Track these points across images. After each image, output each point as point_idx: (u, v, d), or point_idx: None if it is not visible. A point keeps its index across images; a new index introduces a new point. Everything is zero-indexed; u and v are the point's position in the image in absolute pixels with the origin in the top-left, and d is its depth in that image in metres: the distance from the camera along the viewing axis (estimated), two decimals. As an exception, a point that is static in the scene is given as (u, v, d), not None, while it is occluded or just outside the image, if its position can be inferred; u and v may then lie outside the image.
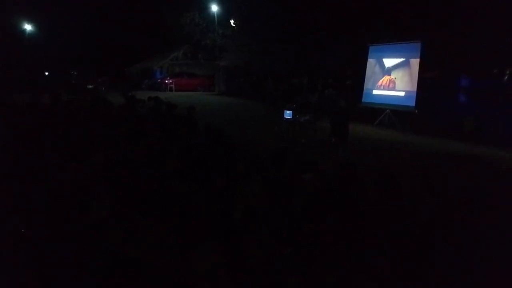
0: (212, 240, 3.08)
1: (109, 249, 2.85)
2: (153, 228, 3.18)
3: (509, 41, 11.91)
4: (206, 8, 28.09)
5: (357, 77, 15.10)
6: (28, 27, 33.52)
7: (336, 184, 4.51)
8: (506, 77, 11.48)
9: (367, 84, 14.39)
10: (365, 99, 14.37)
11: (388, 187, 4.32)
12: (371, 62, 14.36)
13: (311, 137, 9.97)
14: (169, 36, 29.55)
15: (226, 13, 27.92)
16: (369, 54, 14.38)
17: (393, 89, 13.48)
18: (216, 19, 28.18)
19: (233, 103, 19.65)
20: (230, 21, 28.08)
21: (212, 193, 3.96)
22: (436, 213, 4.65)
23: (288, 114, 10.34)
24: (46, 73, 34.50)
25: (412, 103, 12.65)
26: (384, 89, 13.83)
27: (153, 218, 3.30)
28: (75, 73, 33.76)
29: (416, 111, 12.51)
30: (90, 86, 25.55)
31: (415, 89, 12.62)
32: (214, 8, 27.94)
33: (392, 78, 13.51)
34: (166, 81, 27.92)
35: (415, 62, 12.69)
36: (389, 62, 13.69)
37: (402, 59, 13.21)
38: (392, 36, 14.32)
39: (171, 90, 26.74)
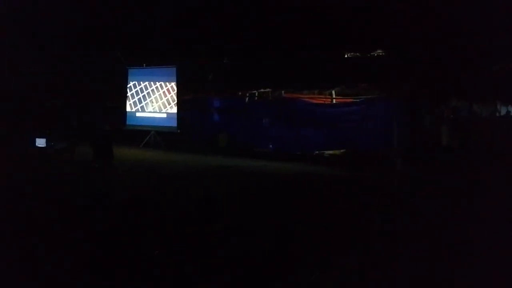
0: None
1: None
2: None
3: (251, 67, 13.96)
4: None
5: (120, 99, 14.94)
6: None
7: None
8: (247, 99, 13.62)
9: (130, 107, 14.49)
10: (129, 121, 14.41)
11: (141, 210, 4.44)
12: (131, 84, 14.53)
13: (69, 165, 9.24)
14: None
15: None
16: (129, 77, 14.52)
17: (155, 111, 14.02)
18: None
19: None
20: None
21: None
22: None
23: (40, 142, 9.31)
24: None
25: (174, 123, 13.46)
26: (146, 111, 14.22)
27: None
28: None
29: (178, 131, 13.35)
30: None
31: (176, 111, 13.49)
32: None
33: (153, 100, 14.03)
34: None
35: (173, 85, 13.58)
36: (149, 85, 14.17)
37: (160, 82, 13.89)
38: (152, 60, 14.76)
39: None
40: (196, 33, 14.28)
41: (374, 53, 12.84)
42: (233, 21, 13.28)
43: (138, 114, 14.37)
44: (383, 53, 12.53)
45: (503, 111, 9.85)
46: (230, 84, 13.83)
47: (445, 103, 10.18)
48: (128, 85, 14.53)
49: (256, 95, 13.55)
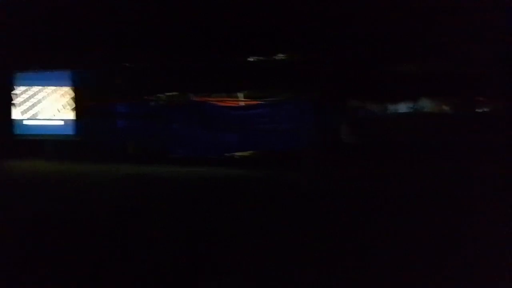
0: None
1: None
2: None
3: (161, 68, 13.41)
4: None
5: (6, 106, 13.33)
6: None
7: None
8: (154, 103, 13.17)
9: (19, 114, 13.01)
10: (18, 130, 12.92)
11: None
12: (20, 90, 13.04)
13: None
14: None
15: None
16: (16, 81, 13.02)
17: (50, 118, 12.81)
18: None
19: None
20: None
21: None
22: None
23: None
24: None
25: (72, 131, 12.47)
26: (39, 118, 12.93)
27: None
28: None
29: (78, 139, 12.35)
30: None
31: (75, 117, 12.52)
32: None
33: (47, 106, 12.80)
34: None
35: (71, 90, 12.59)
36: (41, 90, 12.88)
37: (55, 87, 12.74)
38: (46, 62, 13.45)
39: None
40: (101, 36, 13.45)
41: (276, 56, 13.32)
42: (138, 25, 12.73)
43: (28, 122, 12.98)
44: (286, 57, 13.06)
45: (393, 109, 11.01)
46: (137, 89, 13.26)
47: (347, 104, 11.05)
48: (16, 90, 13.03)
49: (164, 99, 13.17)
